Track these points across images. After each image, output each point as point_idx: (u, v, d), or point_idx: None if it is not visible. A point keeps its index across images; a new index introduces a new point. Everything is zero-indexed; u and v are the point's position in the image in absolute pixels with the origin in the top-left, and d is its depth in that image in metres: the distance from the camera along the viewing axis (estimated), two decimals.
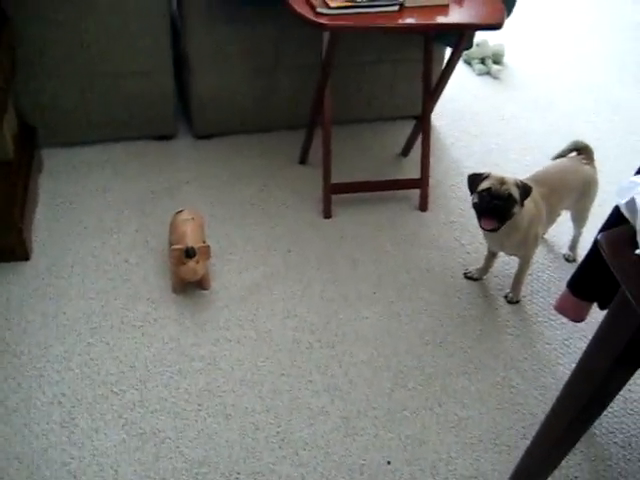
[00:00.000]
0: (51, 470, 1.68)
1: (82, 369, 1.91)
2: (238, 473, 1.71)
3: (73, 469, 1.69)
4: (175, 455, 1.74)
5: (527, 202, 1.99)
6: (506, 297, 2.22)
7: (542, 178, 2.14)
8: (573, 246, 2.38)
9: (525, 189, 1.96)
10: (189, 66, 2.59)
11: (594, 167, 2.23)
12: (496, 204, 1.95)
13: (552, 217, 2.18)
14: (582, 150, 2.22)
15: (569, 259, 2.38)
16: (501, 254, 2.26)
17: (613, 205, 1.71)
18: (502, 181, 1.96)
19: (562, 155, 2.25)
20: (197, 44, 2.52)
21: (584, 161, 2.20)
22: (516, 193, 1.94)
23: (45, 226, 2.34)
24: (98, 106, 2.59)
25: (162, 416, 1.82)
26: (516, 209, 1.96)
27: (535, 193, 2.03)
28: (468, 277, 2.28)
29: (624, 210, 1.18)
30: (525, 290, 2.26)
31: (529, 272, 2.27)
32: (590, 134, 3.02)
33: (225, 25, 2.48)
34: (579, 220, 2.31)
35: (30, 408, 1.81)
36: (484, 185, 1.97)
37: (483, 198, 1.96)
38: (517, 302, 2.21)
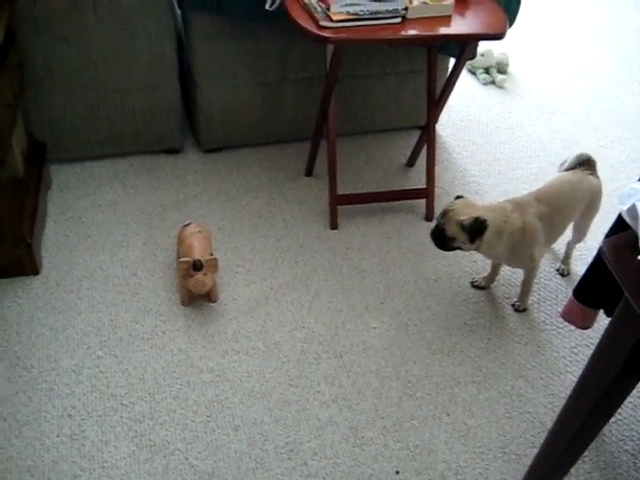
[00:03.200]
0: None
1: (92, 382, 1.93)
2: None
3: None
4: (184, 467, 1.74)
5: (515, 224, 2.02)
6: (513, 305, 2.22)
7: (544, 196, 2.11)
8: (566, 259, 2.37)
9: (475, 227, 1.98)
10: (195, 80, 2.61)
11: (598, 177, 2.22)
12: (433, 233, 2.09)
13: (556, 234, 2.17)
14: (586, 162, 2.20)
15: (563, 273, 2.36)
16: None
17: (617, 212, 1.70)
18: (445, 214, 2.04)
19: (567, 169, 2.22)
20: (203, 59, 2.55)
21: (587, 172, 2.19)
22: (454, 231, 2.01)
23: (54, 241, 2.36)
24: (106, 121, 2.62)
25: (171, 428, 1.83)
26: (457, 244, 2.04)
27: (530, 214, 2.05)
28: (475, 286, 2.28)
29: (626, 216, 1.18)
30: (532, 298, 2.26)
31: (536, 281, 2.27)
32: (595, 141, 3.03)
33: (230, 40, 2.50)
34: (581, 232, 2.30)
35: (40, 421, 1.83)
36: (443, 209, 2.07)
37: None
38: (524, 310, 2.21)
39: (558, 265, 2.38)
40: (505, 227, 2.02)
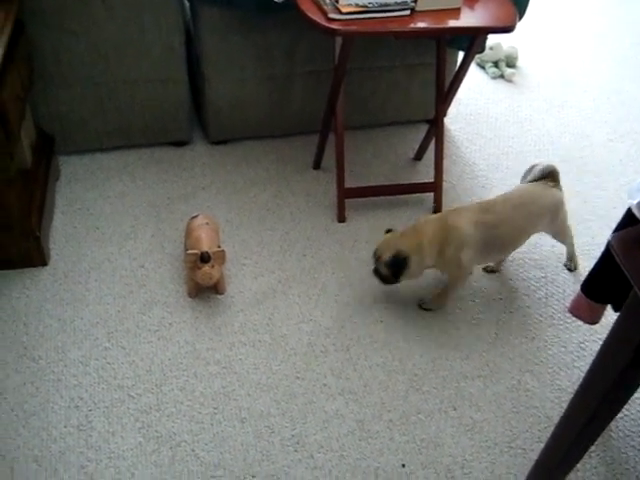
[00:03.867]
0: (69, 473, 1.70)
1: (99, 373, 1.94)
2: (253, 476, 1.72)
3: (90, 472, 1.71)
4: (191, 458, 1.75)
5: (455, 226, 2.05)
6: (420, 306, 2.21)
7: (493, 206, 2.12)
8: (570, 257, 2.35)
9: (393, 265, 2.05)
10: (203, 73, 2.61)
11: (560, 190, 2.20)
12: (375, 274, 2.14)
13: (503, 245, 2.16)
14: (550, 174, 2.18)
15: (571, 268, 2.35)
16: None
17: (626, 206, 1.69)
18: (375, 255, 2.10)
19: (532, 180, 2.20)
20: (211, 52, 2.54)
21: (550, 184, 2.17)
22: (383, 269, 2.08)
23: (62, 232, 2.37)
24: (114, 114, 2.62)
25: (178, 419, 1.83)
26: (394, 280, 2.09)
27: (463, 218, 2.05)
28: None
29: (635, 210, 1.18)
30: (540, 293, 2.25)
31: (543, 275, 2.27)
32: (604, 135, 3.02)
33: (238, 33, 2.50)
34: (561, 238, 2.30)
35: (48, 412, 1.83)
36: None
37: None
38: (429, 310, 2.17)
39: (565, 261, 2.37)
40: (420, 241, 2.05)
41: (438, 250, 2.06)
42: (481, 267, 2.31)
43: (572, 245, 2.33)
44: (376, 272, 2.13)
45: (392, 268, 2.06)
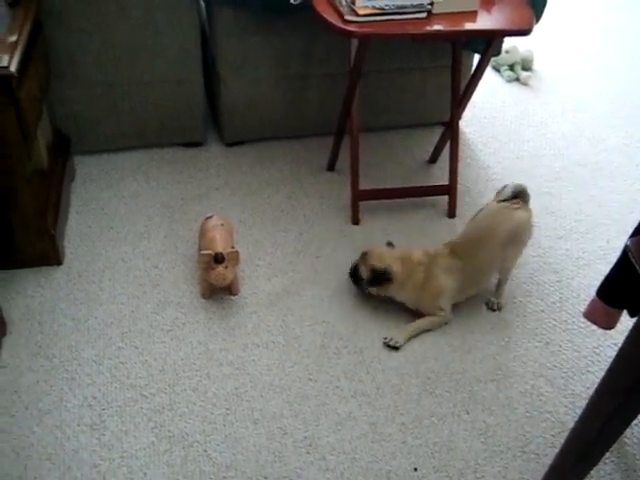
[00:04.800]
0: (82, 471, 1.71)
1: (112, 372, 1.94)
2: (265, 478, 1.72)
3: (103, 471, 1.71)
4: (203, 458, 1.75)
5: (418, 277, 2.09)
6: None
7: (459, 248, 2.12)
8: (498, 292, 2.22)
9: (374, 276, 2.09)
10: (218, 74, 2.62)
11: (528, 210, 2.16)
12: (351, 269, 2.18)
13: (477, 279, 2.15)
14: (520, 194, 2.16)
15: (494, 308, 2.20)
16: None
17: None
18: (364, 255, 2.14)
19: (501, 200, 2.17)
20: (227, 53, 2.55)
21: (516, 206, 2.13)
22: (364, 273, 2.12)
23: (77, 232, 2.38)
24: (129, 114, 2.63)
25: (190, 420, 1.84)
26: (364, 285, 2.13)
27: (438, 266, 2.10)
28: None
29: None
30: (554, 297, 2.24)
31: (557, 280, 2.25)
32: (620, 139, 3.00)
33: (254, 34, 2.50)
34: (506, 265, 2.18)
35: (61, 410, 1.84)
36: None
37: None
38: (396, 349, 2.04)
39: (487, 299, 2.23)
40: (408, 278, 2.09)
41: (417, 293, 2.11)
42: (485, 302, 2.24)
43: (506, 280, 2.22)
44: (354, 269, 2.17)
45: (375, 277, 2.09)
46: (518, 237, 2.14)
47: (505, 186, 2.21)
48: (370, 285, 2.12)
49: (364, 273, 2.12)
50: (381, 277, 2.09)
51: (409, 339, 2.07)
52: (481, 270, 2.15)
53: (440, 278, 2.09)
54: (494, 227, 2.11)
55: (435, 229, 2.47)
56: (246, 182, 2.64)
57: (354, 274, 2.17)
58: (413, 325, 2.10)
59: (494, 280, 2.21)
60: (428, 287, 2.09)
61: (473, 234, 2.15)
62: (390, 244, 2.21)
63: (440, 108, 2.80)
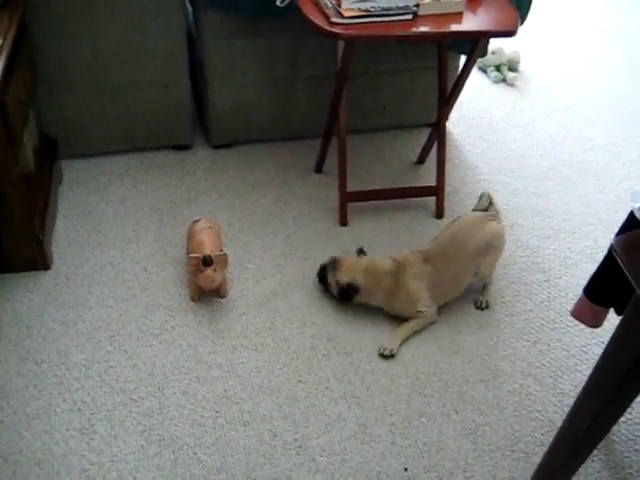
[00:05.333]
0: (71, 476, 1.70)
1: (101, 377, 1.94)
2: None
3: (92, 475, 1.71)
4: (193, 462, 1.75)
5: (387, 285, 2.10)
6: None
7: (432, 255, 2.13)
8: (484, 292, 2.24)
9: (343, 291, 2.11)
10: (206, 78, 2.62)
11: (500, 222, 2.21)
12: (319, 271, 2.21)
13: (453, 286, 2.16)
14: (491, 204, 2.22)
15: (481, 306, 2.21)
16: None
17: (628, 210, 1.69)
18: (335, 262, 2.14)
19: (477, 209, 2.24)
20: (213, 56, 2.55)
21: (490, 217, 2.18)
22: (332, 283, 2.14)
23: (65, 236, 2.37)
24: (117, 118, 2.63)
25: (180, 423, 1.83)
26: (332, 290, 2.15)
27: (408, 274, 2.10)
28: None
29: (638, 214, 1.18)
30: (542, 297, 2.25)
31: (545, 279, 2.27)
32: (607, 139, 3.02)
33: (240, 37, 2.51)
34: (484, 272, 2.19)
35: (50, 415, 1.84)
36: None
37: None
38: (391, 356, 2.03)
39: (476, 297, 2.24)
40: (374, 288, 2.11)
41: (389, 300, 2.12)
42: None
43: (490, 282, 2.24)
44: (321, 273, 2.18)
45: (342, 293, 2.12)
46: (492, 247, 2.16)
47: (482, 195, 2.27)
48: (341, 301, 2.14)
49: (331, 281, 2.13)
50: (348, 291, 2.10)
51: (402, 344, 2.07)
52: (456, 279, 2.16)
53: (410, 285, 2.09)
54: (467, 239, 2.14)
55: (423, 230, 2.48)
56: (234, 185, 2.64)
57: (322, 277, 2.19)
58: (402, 330, 2.09)
59: (479, 282, 2.22)
60: (399, 294, 2.10)
61: (446, 244, 2.16)
62: (361, 251, 2.23)
63: (427, 109, 2.81)
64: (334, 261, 2.15)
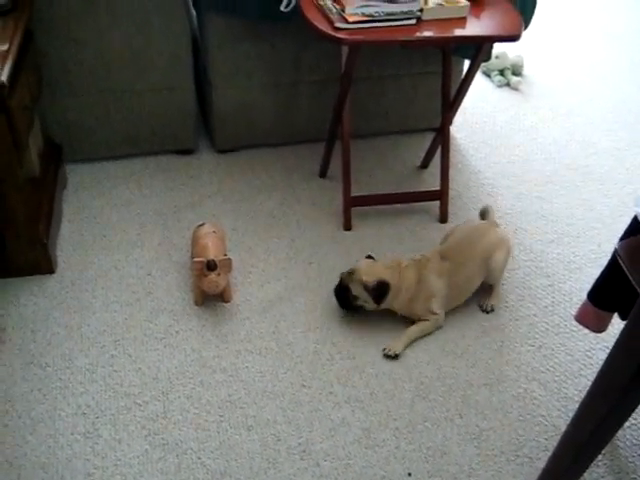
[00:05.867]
0: None
1: (106, 381, 1.94)
2: None
3: (97, 479, 1.71)
4: (197, 466, 1.75)
5: (409, 279, 2.08)
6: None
7: (448, 252, 2.15)
8: (492, 295, 2.24)
9: (379, 291, 2.05)
10: (210, 82, 2.62)
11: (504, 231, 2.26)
12: (337, 290, 2.13)
13: (465, 287, 2.17)
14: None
15: (486, 309, 2.21)
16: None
17: (633, 215, 1.69)
18: (351, 274, 2.08)
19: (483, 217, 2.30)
20: (218, 60, 2.56)
21: (495, 224, 2.24)
22: (359, 291, 2.06)
23: (69, 240, 2.38)
24: (121, 122, 2.64)
25: (184, 427, 1.83)
26: (360, 302, 2.09)
27: (428, 269, 2.10)
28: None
29: None
30: (546, 301, 2.25)
31: (549, 284, 2.27)
32: (611, 143, 3.02)
33: (245, 42, 2.51)
34: (490, 278, 2.21)
35: (55, 419, 1.84)
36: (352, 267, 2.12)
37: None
38: (395, 357, 2.04)
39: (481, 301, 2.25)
40: (400, 284, 2.08)
41: (409, 298, 2.10)
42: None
43: (498, 283, 2.26)
44: (341, 290, 2.11)
45: (376, 292, 2.06)
46: (500, 250, 2.18)
47: (485, 207, 2.35)
48: (377, 301, 2.07)
49: (357, 290, 2.07)
50: (380, 289, 2.06)
51: (406, 347, 2.07)
52: (465, 283, 2.16)
53: (431, 280, 2.10)
54: (475, 243, 2.17)
55: (427, 234, 2.48)
56: (238, 189, 2.64)
57: (342, 294, 2.12)
58: (408, 332, 2.09)
59: (485, 284, 2.22)
60: (420, 290, 2.09)
61: (461, 242, 2.19)
62: (370, 257, 2.20)
63: (431, 114, 2.81)
64: (349, 272, 2.10)
